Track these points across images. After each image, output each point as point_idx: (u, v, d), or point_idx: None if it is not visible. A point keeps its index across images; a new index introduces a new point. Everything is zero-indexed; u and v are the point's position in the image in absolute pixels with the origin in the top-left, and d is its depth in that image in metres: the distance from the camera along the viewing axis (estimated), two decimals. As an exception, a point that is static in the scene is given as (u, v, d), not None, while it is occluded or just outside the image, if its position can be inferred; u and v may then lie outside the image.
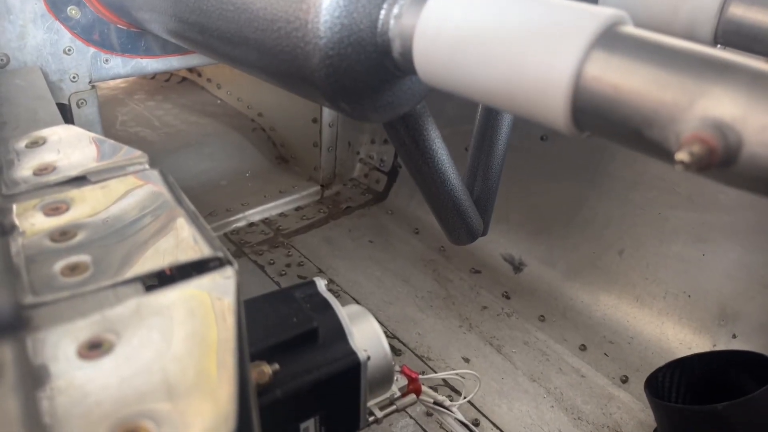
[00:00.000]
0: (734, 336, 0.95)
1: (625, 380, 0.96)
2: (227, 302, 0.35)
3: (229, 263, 0.37)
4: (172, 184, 0.44)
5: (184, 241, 0.39)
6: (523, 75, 0.39)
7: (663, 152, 0.34)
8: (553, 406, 0.92)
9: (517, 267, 1.18)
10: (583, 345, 1.02)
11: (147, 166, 0.47)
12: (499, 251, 1.20)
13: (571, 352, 1.02)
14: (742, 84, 0.31)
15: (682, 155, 0.31)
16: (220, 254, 0.37)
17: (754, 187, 0.32)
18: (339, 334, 0.57)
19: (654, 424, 0.88)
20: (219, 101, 1.73)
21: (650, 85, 0.34)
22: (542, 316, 1.08)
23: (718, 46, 0.67)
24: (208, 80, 1.80)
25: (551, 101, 0.38)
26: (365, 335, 0.59)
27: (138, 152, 0.48)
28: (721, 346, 0.95)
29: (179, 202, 0.42)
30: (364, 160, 1.51)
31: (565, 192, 1.14)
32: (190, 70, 1.84)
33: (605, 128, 0.37)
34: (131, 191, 0.44)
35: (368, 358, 0.56)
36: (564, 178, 1.14)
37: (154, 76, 1.88)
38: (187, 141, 1.51)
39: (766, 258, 0.92)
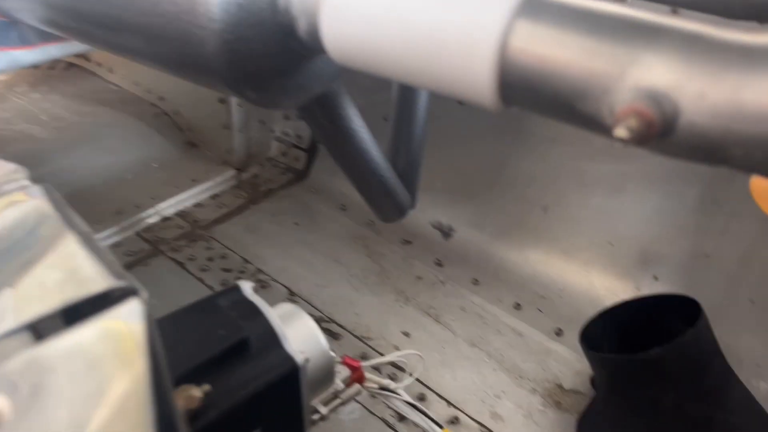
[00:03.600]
0: (656, 278, 0.99)
1: (559, 333, 0.99)
2: (136, 341, 0.31)
3: (135, 292, 0.32)
4: (59, 202, 0.38)
5: (77, 271, 0.33)
6: (443, 50, 0.36)
7: (598, 125, 0.32)
8: (495, 369, 0.93)
9: (447, 233, 1.18)
10: (517, 303, 1.04)
11: (27, 182, 0.40)
12: (427, 219, 1.19)
13: (506, 312, 1.03)
14: (674, 48, 0.29)
15: (620, 131, 0.29)
16: (123, 283, 0.32)
17: (693, 155, 0.30)
18: (272, 339, 0.53)
19: (590, 372, 0.91)
20: (114, 87, 1.59)
21: (579, 55, 0.32)
22: (476, 279, 1.09)
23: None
24: (99, 64, 1.65)
25: (475, 78, 0.35)
26: (300, 336, 0.56)
27: (12, 165, 0.41)
28: (644, 289, 1.00)
29: (69, 223, 0.36)
30: (280, 138, 1.44)
31: (488, 154, 1.14)
32: (77, 55, 1.68)
33: (535, 103, 0.35)
34: (7, 215, 0.38)
35: (307, 360, 0.53)
36: (485, 140, 1.13)
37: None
38: (82, 134, 1.38)
39: (680, 203, 0.96)
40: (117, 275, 0.33)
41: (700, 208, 0.95)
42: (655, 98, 0.29)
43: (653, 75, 0.30)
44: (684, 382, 0.71)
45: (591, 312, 0.93)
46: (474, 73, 0.35)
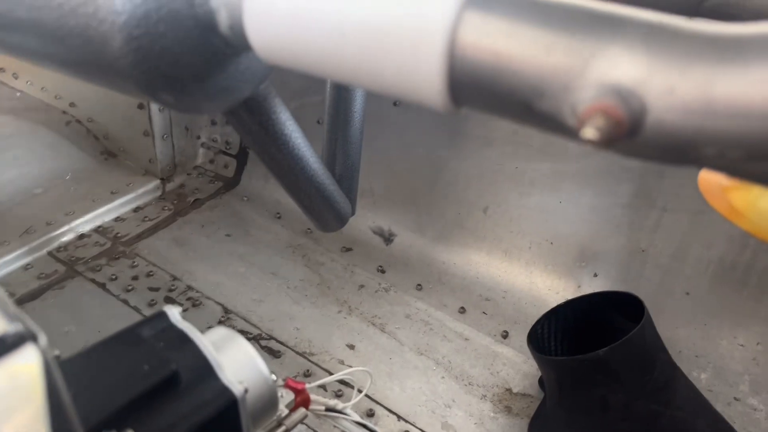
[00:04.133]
0: (595, 275, 1.00)
1: (505, 335, 0.98)
2: (32, 393, 0.26)
3: (31, 337, 0.27)
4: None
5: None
6: (384, 46, 0.32)
7: (559, 126, 0.29)
8: (443, 377, 0.90)
9: (388, 238, 1.15)
10: (462, 308, 1.02)
11: None
12: (367, 225, 1.16)
13: (452, 317, 1.01)
14: (639, 40, 0.27)
15: (588, 132, 0.26)
16: (17, 327, 0.27)
17: (663, 156, 0.28)
18: (205, 370, 0.47)
19: (538, 374, 0.90)
20: (19, 94, 1.46)
21: (535, 49, 0.29)
22: (419, 285, 1.06)
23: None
24: (2, 69, 1.51)
25: (422, 76, 0.32)
26: (237, 363, 0.50)
27: None
28: (585, 286, 1.00)
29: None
30: (207, 144, 1.36)
31: (425, 156, 1.11)
32: (-26, 58, 1.53)
33: (489, 103, 0.32)
34: None
35: (246, 390, 0.48)
36: (422, 143, 1.11)
37: (-76, 70, 1.53)
38: (-17, 146, 1.25)
39: (614, 199, 0.97)
40: (10, 317, 0.28)
41: (634, 204, 0.96)
42: (621, 94, 0.27)
43: (617, 69, 0.27)
44: (631, 381, 0.71)
45: (535, 312, 0.92)
46: (420, 71, 0.32)
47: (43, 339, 0.27)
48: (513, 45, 0.29)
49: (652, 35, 0.27)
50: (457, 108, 0.33)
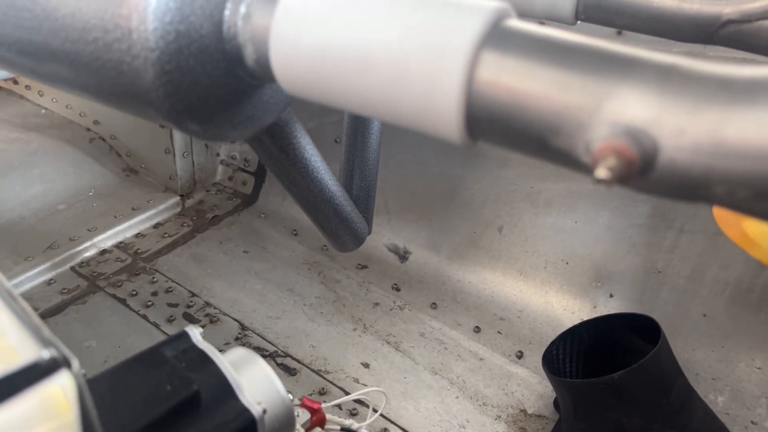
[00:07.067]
0: (611, 295, 1.00)
1: (520, 355, 0.98)
2: (65, 424, 0.27)
3: (65, 362, 0.29)
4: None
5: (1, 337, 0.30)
6: (404, 83, 0.33)
7: (573, 162, 0.30)
8: (458, 397, 0.90)
9: (403, 256, 1.15)
10: (477, 327, 1.02)
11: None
12: (382, 242, 1.17)
13: (466, 336, 1.01)
14: (651, 81, 0.28)
15: (601, 171, 0.27)
16: (51, 353, 0.28)
17: (673, 194, 0.29)
18: (226, 390, 0.49)
19: (552, 395, 0.90)
20: (44, 111, 1.50)
21: (550, 88, 0.30)
22: (434, 303, 1.07)
23: (578, 22, 0.67)
24: (28, 87, 1.55)
25: (440, 111, 0.33)
26: (256, 383, 0.51)
27: None
28: (600, 307, 1.00)
29: (-14, 278, 0.32)
30: (226, 161, 1.39)
31: (441, 175, 1.12)
32: (3, 78, 1.57)
33: (505, 138, 0.33)
34: None
35: (264, 411, 0.49)
36: (437, 161, 1.12)
37: (-45, 88, 1.58)
38: (10, 163, 1.28)
39: (630, 220, 0.97)
40: (44, 342, 0.29)
41: (650, 225, 0.96)
42: (633, 134, 0.28)
43: (630, 110, 0.28)
44: (647, 404, 0.70)
45: (550, 332, 0.92)
46: (438, 107, 0.33)
47: (75, 364, 0.29)
48: (529, 83, 0.30)
49: (665, 76, 0.28)
50: (474, 142, 0.34)
